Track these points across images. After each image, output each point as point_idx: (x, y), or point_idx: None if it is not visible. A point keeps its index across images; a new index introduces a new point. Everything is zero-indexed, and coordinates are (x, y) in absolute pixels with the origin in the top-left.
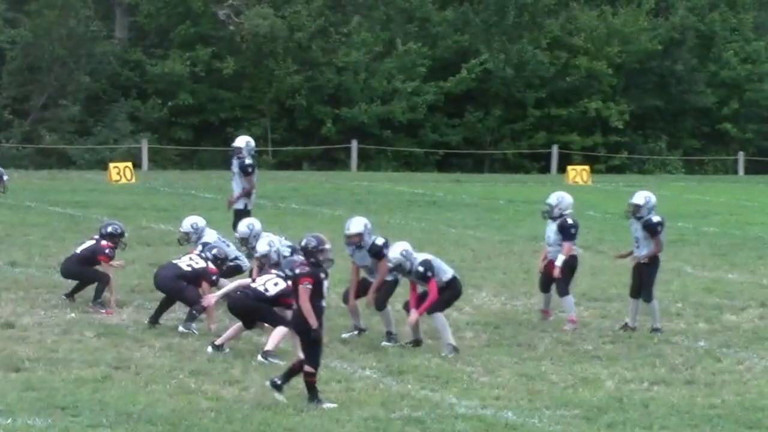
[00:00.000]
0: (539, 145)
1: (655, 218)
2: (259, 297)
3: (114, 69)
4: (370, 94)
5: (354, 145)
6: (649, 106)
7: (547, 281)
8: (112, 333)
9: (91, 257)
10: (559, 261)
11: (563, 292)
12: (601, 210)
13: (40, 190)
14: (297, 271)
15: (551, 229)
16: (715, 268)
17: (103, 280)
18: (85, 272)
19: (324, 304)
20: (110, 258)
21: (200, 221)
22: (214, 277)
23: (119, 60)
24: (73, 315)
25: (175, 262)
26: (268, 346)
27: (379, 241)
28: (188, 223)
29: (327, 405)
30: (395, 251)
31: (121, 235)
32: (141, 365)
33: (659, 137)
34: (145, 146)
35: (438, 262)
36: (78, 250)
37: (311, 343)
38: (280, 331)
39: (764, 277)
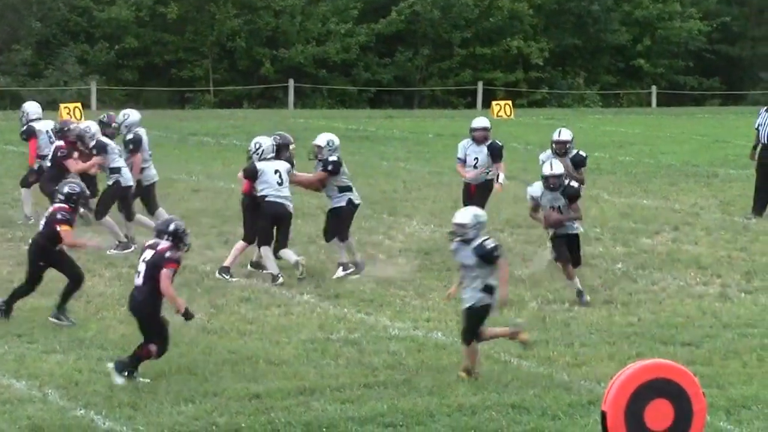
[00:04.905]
0: (465, 82)
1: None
2: None
3: (63, 15)
4: (306, 36)
5: (291, 84)
6: (567, 44)
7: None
8: None
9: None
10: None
11: None
12: (523, 142)
13: None
14: (167, 255)
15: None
16: (631, 195)
17: None
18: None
19: None
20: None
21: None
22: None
23: (68, 6)
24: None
25: None
26: (227, 263)
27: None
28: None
29: (140, 380)
30: (322, 138)
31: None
32: (92, 294)
33: (577, 73)
34: (93, 87)
35: None
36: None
37: (160, 326)
38: (241, 245)
39: (676, 203)
